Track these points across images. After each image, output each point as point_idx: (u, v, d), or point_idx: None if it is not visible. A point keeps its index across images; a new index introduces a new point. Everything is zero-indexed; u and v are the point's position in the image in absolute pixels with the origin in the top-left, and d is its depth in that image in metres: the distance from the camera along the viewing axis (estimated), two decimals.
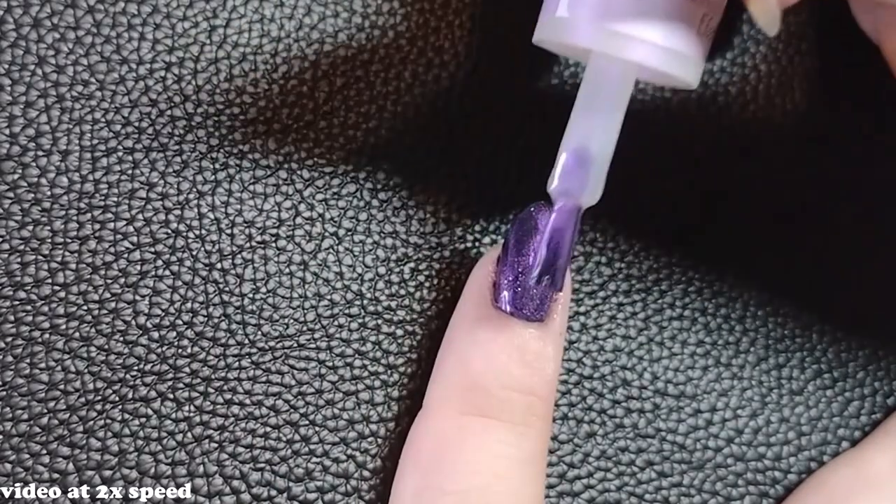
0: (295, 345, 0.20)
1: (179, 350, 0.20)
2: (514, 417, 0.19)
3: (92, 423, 0.19)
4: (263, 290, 0.20)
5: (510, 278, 0.19)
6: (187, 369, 0.20)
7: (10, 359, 0.19)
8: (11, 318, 0.19)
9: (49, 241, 0.20)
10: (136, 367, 0.20)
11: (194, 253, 0.20)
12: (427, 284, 0.21)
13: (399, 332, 0.21)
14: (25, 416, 0.19)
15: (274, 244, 0.20)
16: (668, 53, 0.17)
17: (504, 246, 0.20)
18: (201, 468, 0.20)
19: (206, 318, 0.20)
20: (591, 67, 0.18)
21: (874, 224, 0.23)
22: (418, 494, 0.19)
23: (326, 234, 0.21)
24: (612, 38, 0.16)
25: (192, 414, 0.20)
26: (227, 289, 0.20)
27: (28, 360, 0.19)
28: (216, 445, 0.20)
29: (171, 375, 0.20)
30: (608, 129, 0.18)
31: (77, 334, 0.20)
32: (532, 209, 0.20)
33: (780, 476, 0.22)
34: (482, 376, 0.19)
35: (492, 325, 0.19)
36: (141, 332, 0.20)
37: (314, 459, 0.20)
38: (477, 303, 0.19)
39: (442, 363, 0.20)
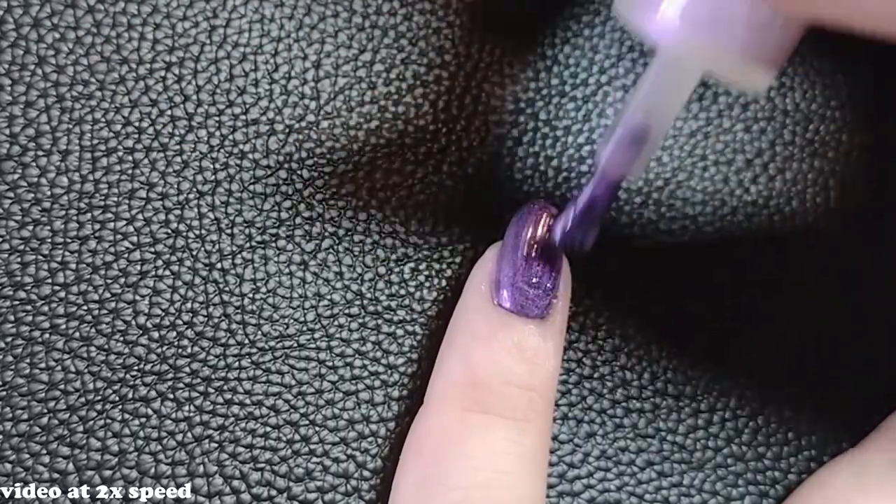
0: (295, 345, 0.20)
1: (179, 350, 0.20)
2: (516, 414, 0.19)
3: (92, 423, 0.19)
4: (263, 290, 0.20)
5: (510, 275, 0.19)
6: (187, 369, 0.20)
7: (10, 359, 0.19)
8: (11, 318, 0.19)
9: (49, 241, 0.20)
10: (136, 367, 0.20)
11: (194, 253, 0.20)
12: (427, 284, 0.21)
13: (399, 332, 0.21)
14: (25, 416, 0.19)
15: (274, 244, 0.20)
16: (746, 65, 0.16)
17: (504, 243, 0.20)
18: (201, 468, 0.20)
19: (206, 318, 0.20)
20: (664, 55, 0.17)
21: (874, 224, 0.23)
22: (420, 490, 0.19)
23: (326, 234, 0.21)
24: (692, 40, 0.16)
25: (192, 414, 0.20)
26: (227, 289, 0.20)
27: (28, 360, 0.19)
28: (216, 445, 0.20)
29: (171, 375, 0.20)
30: (668, 116, 0.18)
31: (77, 334, 0.20)
32: (534, 206, 0.20)
33: (780, 476, 0.22)
34: (483, 373, 0.19)
35: (492, 322, 0.19)
36: (141, 332, 0.20)
37: (314, 459, 0.20)
38: (478, 300, 0.20)
39: (443, 360, 0.20)
